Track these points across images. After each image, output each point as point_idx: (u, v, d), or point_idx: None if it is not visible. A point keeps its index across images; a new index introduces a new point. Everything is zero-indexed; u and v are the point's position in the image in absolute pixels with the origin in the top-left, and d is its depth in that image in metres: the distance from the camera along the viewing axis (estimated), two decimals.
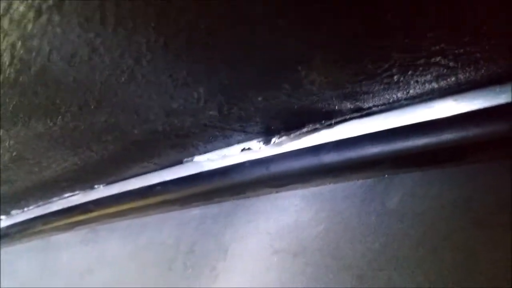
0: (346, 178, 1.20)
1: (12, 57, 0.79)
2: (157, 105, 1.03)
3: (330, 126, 1.15)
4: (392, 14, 0.71)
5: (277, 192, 1.35)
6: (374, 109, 1.08)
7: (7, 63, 0.81)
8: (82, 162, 1.44)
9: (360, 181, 1.20)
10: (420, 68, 0.88)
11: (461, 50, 0.81)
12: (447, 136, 0.95)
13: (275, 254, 1.31)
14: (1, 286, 2.56)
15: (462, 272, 0.98)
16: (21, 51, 0.78)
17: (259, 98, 1.02)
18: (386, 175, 1.15)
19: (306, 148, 1.17)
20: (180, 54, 0.83)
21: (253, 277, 1.35)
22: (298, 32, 0.77)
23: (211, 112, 1.09)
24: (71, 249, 2.17)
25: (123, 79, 0.89)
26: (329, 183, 1.24)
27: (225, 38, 0.79)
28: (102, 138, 1.21)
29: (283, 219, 1.33)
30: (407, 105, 1.05)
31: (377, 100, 1.04)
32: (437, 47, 0.81)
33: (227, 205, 1.51)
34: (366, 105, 1.07)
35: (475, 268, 0.97)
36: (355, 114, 1.11)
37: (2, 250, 2.62)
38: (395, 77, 0.92)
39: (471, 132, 0.93)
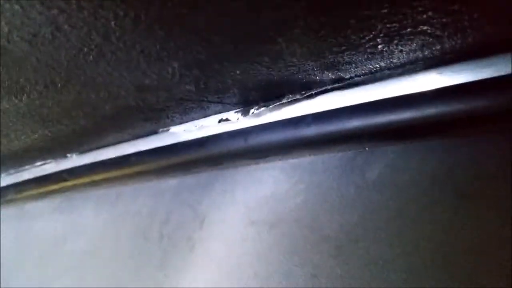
0: (326, 151, 1.18)
1: None
2: (129, 82, 0.97)
3: (310, 97, 1.12)
4: None
5: (256, 164, 1.32)
6: (356, 79, 1.05)
7: None
8: (53, 135, 1.38)
9: (340, 154, 1.18)
10: (405, 37, 0.84)
11: (449, 19, 0.77)
12: (429, 111, 0.93)
13: (252, 225, 1.30)
14: None
15: (440, 243, 0.98)
16: None
17: (237, 71, 0.98)
18: (367, 148, 1.12)
19: (285, 120, 1.14)
20: (152, 28, 0.77)
21: (229, 247, 1.34)
22: (276, 3, 0.72)
23: (187, 87, 1.04)
24: (45, 218, 2.13)
25: (91, 57, 0.83)
26: (309, 155, 1.21)
27: (198, 10, 0.73)
28: (72, 113, 1.15)
29: (261, 190, 1.31)
30: (389, 76, 1.02)
31: (360, 71, 1.00)
32: (424, 16, 0.76)
33: (204, 176, 1.48)
34: (347, 76, 1.04)
35: (453, 239, 0.96)
36: (336, 85, 1.07)
37: None
38: (379, 47, 0.88)
39: (454, 107, 0.91)
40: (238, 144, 1.22)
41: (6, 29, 0.71)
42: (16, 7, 0.66)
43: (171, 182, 1.58)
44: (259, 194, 1.31)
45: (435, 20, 0.78)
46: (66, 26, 0.73)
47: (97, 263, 1.76)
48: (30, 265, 2.09)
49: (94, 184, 1.71)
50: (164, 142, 1.40)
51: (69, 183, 1.78)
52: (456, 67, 0.92)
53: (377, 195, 1.09)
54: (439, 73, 0.94)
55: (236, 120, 1.22)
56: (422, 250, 1.00)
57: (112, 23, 0.74)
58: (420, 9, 0.74)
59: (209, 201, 1.44)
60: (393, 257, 1.04)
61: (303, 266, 1.17)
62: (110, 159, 1.55)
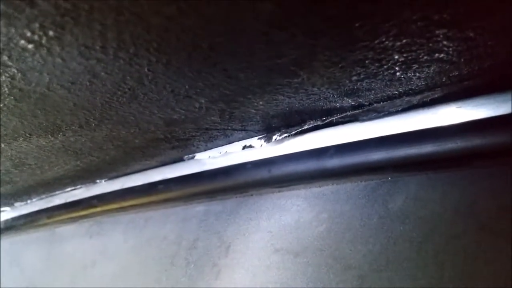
0: (349, 181, 1.21)
1: (12, 87, 0.78)
2: (158, 118, 1.02)
3: (331, 123, 1.15)
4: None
5: (279, 192, 1.36)
6: (376, 105, 1.08)
7: (6, 92, 0.80)
8: (84, 165, 1.44)
9: (363, 183, 1.20)
10: (422, 65, 0.88)
11: (464, 46, 0.81)
12: (450, 145, 0.95)
13: (276, 253, 1.33)
14: (9, 276, 2.60)
15: (463, 276, 0.99)
16: (21, 82, 0.77)
17: (260, 102, 1.02)
18: (390, 178, 1.15)
19: (308, 151, 1.17)
20: (182, 70, 0.82)
21: (254, 275, 1.36)
22: (297, 42, 0.76)
23: (212, 118, 1.08)
24: (75, 241, 2.19)
25: (124, 99, 0.88)
26: (331, 185, 1.25)
27: (225, 52, 0.78)
28: (103, 147, 1.21)
29: (284, 218, 1.34)
30: (410, 106, 1.05)
31: (379, 97, 1.03)
32: (439, 45, 0.80)
33: (229, 203, 1.52)
34: (367, 102, 1.07)
35: (476, 272, 0.98)
36: (356, 111, 1.11)
37: (9, 240, 2.65)
38: (397, 74, 0.92)
39: (473, 142, 0.94)
40: (262, 174, 1.26)
41: (47, 78, 0.77)
42: (58, 59, 0.72)
43: (197, 209, 1.62)
44: (283, 222, 1.34)
45: (450, 48, 0.82)
46: (102, 74, 0.78)
47: (125, 287, 1.81)
48: (62, 286, 2.15)
49: (123, 210, 1.76)
50: (190, 169, 1.44)
51: (98, 209, 1.84)
52: (475, 101, 0.95)
53: (400, 226, 1.11)
54: (458, 107, 0.97)
55: (259, 147, 1.26)
56: (445, 283, 1.01)
57: (146, 68, 0.79)
58: (435, 38, 0.78)
59: (234, 228, 1.47)
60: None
61: None
62: (138, 186, 1.60)
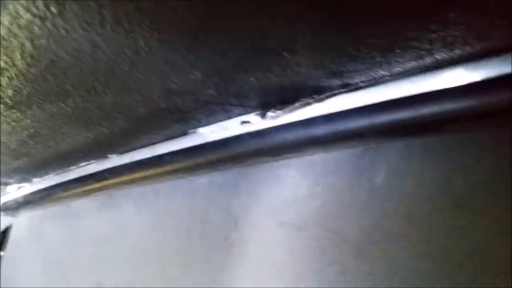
0: (335, 148, 1.29)
1: (23, 53, 0.89)
2: (158, 87, 1.12)
3: (320, 100, 1.23)
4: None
5: (274, 161, 1.44)
6: (361, 84, 1.16)
7: (19, 57, 0.90)
8: (94, 136, 1.55)
9: (348, 152, 1.29)
10: (398, 51, 0.96)
11: (434, 35, 0.89)
12: (425, 110, 1.03)
13: (281, 227, 1.43)
14: (32, 250, 2.72)
15: (443, 249, 1.10)
16: (30, 48, 0.87)
17: (252, 79, 1.11)
18: (373, 145, 1.24)
19: (298, 121, 1.26)
20: (174, 45, 0.92)
21: (263, 247, 1.47)
22: (281, 26, 0.85)
23: (209, 91, 1.17)
24: (92, 215, 2.31)
25: (125, 67, 0.98)
26: (320, 153, 1.33)
27: (213, 32, 0.87)
28: (110, 116, 1.31)
29: (282, 192, 1.44)
30: (390, 81, 1.13)
31: (363, 77, 1.12)
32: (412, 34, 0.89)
33: (230, 174, 1.61)
34: (353, 81, 1.15)
35: (455, 246, 1.08)
36: (343, 89, 1.19)
37: (27, 216, 2.79)
38: (377, 59, 1.00)
39: (448, 106, 1.02)
40: (258, 143, 1.35)
41: (53, 46, 0.87)
42: (62, 31, 0.82)
43: (202, 181, 1.72)
44: (281, 196, 1.45)
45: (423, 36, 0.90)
46: (103, 45, 0.88)
47: (147, 260, 1.92)
48: (85, 261, 2.27)
49: (133, 182, 1.87)
50: (193, 142, 1.54)
51: (110, 181, 1.95)
52: (447, 72, 1.03)
53: (387, 201, 1.21)
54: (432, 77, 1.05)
55: (256, 122, 1.35)
56: (430, 253, 1.12)
57: (142, 42, 0.89)
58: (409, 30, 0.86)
59: (238, 202, 1.58)
60: (407, 257, 1.15)
61: (331, 265, 1.29)
62: (146, 159, 1.71)
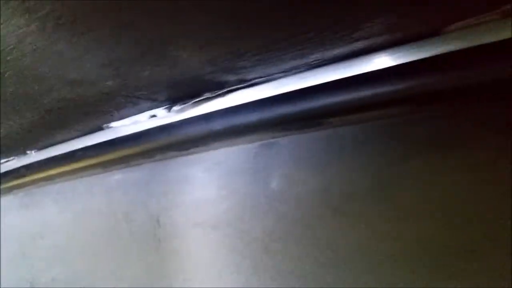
0: (234, 143, 1.34)
1: None
2: (57, 76, 1.14)
3: (221, 95, 1.29)
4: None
5: (181, 155, 1.49)
6: (256, 80, 1.22)
7: None
8: (6, 131, 1.55)
9: (247, 153, 1.37)
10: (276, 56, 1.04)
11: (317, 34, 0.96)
12: (304, 106, 1.10)
13: (198, 226, 1.51)
14: None
15: (329, 249, 1.23)
16: None
17: (146, 73, 1.14)
18: (269, 139, 1.30)
19: (200, 116, 1.30)
20: (63, 35, 0.94)
21: (187, 246, 1.55)
22: (167, 21, 0.89)
23: (107, 83, 1.20)
24: (16, 213, 2.27)
25: (21, 57, 1.00)
26: (222, 148, 1.39)
27: (97, 23, 0.90)
28: (15, 107, 1.32)
29: (192, 193, 1.52)
30: (281, 77, 1.19)
31: (254, 74, 1.18)
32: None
33: (143, 172, 1.65)
34: (248, 77, 1.21)
35: (338, 246, 1.22)
36: (240, 85, 1.24)
37: None
38: (258, 61, 1.07)
39: (326, 101, 1.09)
40: (165, 137, 1.39)
41: None
42: None
43: (117, 178, 1.74)
44: (193, 198, 1.52)
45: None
46: None
47: (79, 257, 1.93)
48: (15, 259, 2.25)
49: (50, 178, 1.86)
50: (105, 137, 1.56)
51: (29, 178, 1.94)
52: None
53: (282, 205, 1.33)
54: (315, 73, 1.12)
55: (163, 116, 1.39)
56: (315, 253, 1.26)
57: (36, 32, 0.90)
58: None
59: (156, 202, 1.63)
60: (301, 255, 1.29)
61: (244, 261, 1.39)
62: (61, 154, 1.71)
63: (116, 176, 1.74)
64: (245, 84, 1.24)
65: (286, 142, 1.29)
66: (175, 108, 1.35)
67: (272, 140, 1.31)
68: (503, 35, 0.89)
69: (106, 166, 1.65)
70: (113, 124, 1.53)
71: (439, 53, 0.97)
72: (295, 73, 1.17)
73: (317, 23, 0.92)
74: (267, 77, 1.20)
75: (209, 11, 0.86)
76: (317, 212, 1.25)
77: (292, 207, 1.29)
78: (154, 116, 1.41)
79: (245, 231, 1.39)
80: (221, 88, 1.27)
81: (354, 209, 1.19)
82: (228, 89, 1.26)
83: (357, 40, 1.01)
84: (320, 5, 0.85)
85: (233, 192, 1.42)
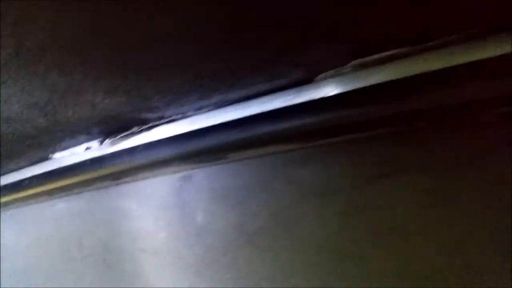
0: (157, 174, 1.49)
1: None
2: None
3: (145, 130, 1.44)
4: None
5: (114, 185, 1.63)
6: (173, 117, 1.38)
7: None
8: None
9: (172, 187, 1.51)
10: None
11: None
12: (211, 141, 1.25)
13: (144, 252, 1.61)
14: None
15: (247, 279, 1.35)
16: None
17: (70, 113, 1.28)
18: (185, 173, 1.45)
19: (127, 149, 1.45)
20: None
21: (133, 271, 1.65)
22: (75, 70, 1.02)
23: (40, 121, 1.34)
24: None
25: None
26: (148, 179, 1.53)
27: (15, 72, 1.04)
28: None
29: (132, 223, 1.63)
30: (193, 115, 1.35)
31: (172, 112, 1.34)
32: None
33: (86, 198, 1.77)
34: (166, 115, 1.37)
35: (252, 277, 1.34)
36: (161, 121, 1.40)
37: None
38: (173, 99, 1.23)
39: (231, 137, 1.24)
40: (98, 168, 1.53)
41: None
42: None
43: (59, 206, 1.87)
44: (134, 226, 1.63)
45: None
46: None
47: (32, 280, 2.04)
48: None
49: (4, 205, 1.99)
50: (49, 167, 1.70)
51: None
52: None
53: (207, 237, 1.45)
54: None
55: (96, 148, 1.54)
56: (240, 281, 1.38)
57: None
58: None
59: (103, 229, 1.74)
60: (227, 281, 1.41)
61: (182, 282, 1.51)
62: (10, 183, 1.85)
63: (62, 204, 1.87)
64: (165, 120, 1.39)
65: (205, 176, 1.41)
66: (106, 141, 1.50)
67: (191, 173, 1.44)
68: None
69: (52, 194, 1.78)
70: (56, 155, 1.67)
71: (319, 97, 1.12)
72: (205, 112, 1.32)
73: (212, 73, 1.08)
74: (182, 115, 1.36)
75: (111, 63, 1.02)
76: (236, 244, 1.37)
77: (216, 239, 1.41)
78: (89, 148, 1.56)
79: (180, 258, 1.51)
80: (144, 124, 1.42)
81: (264, 243, 1.31)
82: (150, 125, 1.41)
83: (252, 85, 1.17)
84: (213, 61, 1.01)
85: (168, 224, 1.54)
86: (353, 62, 1.00)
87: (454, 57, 0.91)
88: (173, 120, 1.37)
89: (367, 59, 0.99)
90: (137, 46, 0.95)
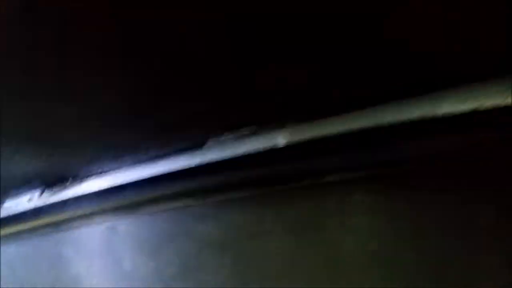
0: (88, 223, 1.63)
1: None
2: None
3: (77, 183, 1.59)
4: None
5: (55, 232, 1.77)
6: (98, 173, 1.53)
7: None
8: None
9: (100, 231, 1.64)
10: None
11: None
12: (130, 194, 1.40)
13: None
14: None
15: None
16: None
17: (12, 170, 1.44)
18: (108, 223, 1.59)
19: (61, 201, 1.60)
20: None
21: None
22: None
23: None
24: None
25: None
26: (81, 228, 1.68)
27: None
28: None
29: (73, 267, 1.75)
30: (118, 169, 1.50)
31: (91, 171, 1.50)
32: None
33: (31, 244, 1.89)
34: (91, 173, 1.52)
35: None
36: (89, 175, 1.55)
37: None
38: (94, 157, 1.38)
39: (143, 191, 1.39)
40: (38, 217, 1.68)
41: None
42: None
43: (14, 249, 2.01)
44: (72, 272, 1.75)
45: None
46: None
47: None
48: None
49: None
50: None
51: None
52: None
53: (135, 283, 1.56)
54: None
55: (36, 199, 1.69)
56: None
57: None
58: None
59: (52, 272, 1.84)
60: None
61: None
62: None
63: (14, 249, 2.01)
64: (91, 174, 1.54)
65: (127, 227, 1.54)
66: (45, 193, 1.65)
67: (116, 224, 1.58)
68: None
69: (5, 238, 1.93)
70: (5, 204, 1.83)
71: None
72: (120, 170, 1.48)
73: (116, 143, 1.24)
74: (104, 171, 1.51)
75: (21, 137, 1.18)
76: None
77: (141, 285, 1.53)
78: (31, 199, 1.71)
79: None
80: (76, 178, 1.58)
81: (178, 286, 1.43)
82: (82, 179, 1.57)
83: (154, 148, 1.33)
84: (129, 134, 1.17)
85: (100, 270, 1.65)
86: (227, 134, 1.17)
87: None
88: (96, 175, 1.52)
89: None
90: (51, 131, 1.13)
